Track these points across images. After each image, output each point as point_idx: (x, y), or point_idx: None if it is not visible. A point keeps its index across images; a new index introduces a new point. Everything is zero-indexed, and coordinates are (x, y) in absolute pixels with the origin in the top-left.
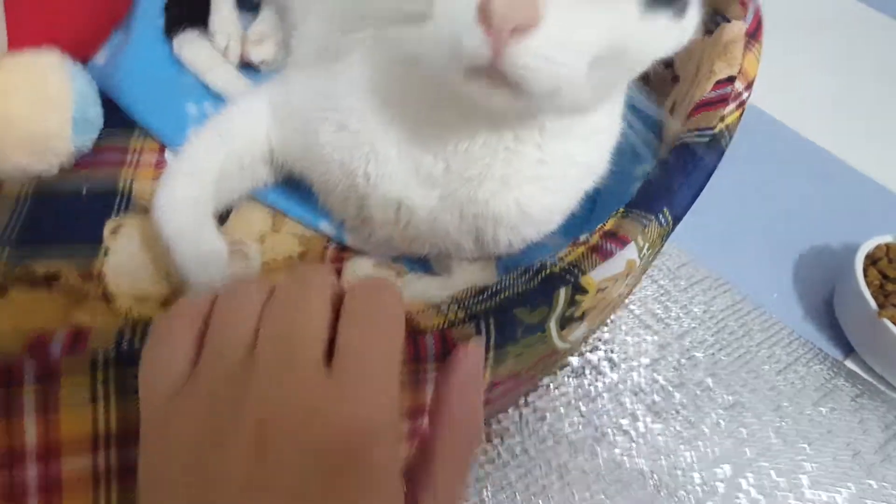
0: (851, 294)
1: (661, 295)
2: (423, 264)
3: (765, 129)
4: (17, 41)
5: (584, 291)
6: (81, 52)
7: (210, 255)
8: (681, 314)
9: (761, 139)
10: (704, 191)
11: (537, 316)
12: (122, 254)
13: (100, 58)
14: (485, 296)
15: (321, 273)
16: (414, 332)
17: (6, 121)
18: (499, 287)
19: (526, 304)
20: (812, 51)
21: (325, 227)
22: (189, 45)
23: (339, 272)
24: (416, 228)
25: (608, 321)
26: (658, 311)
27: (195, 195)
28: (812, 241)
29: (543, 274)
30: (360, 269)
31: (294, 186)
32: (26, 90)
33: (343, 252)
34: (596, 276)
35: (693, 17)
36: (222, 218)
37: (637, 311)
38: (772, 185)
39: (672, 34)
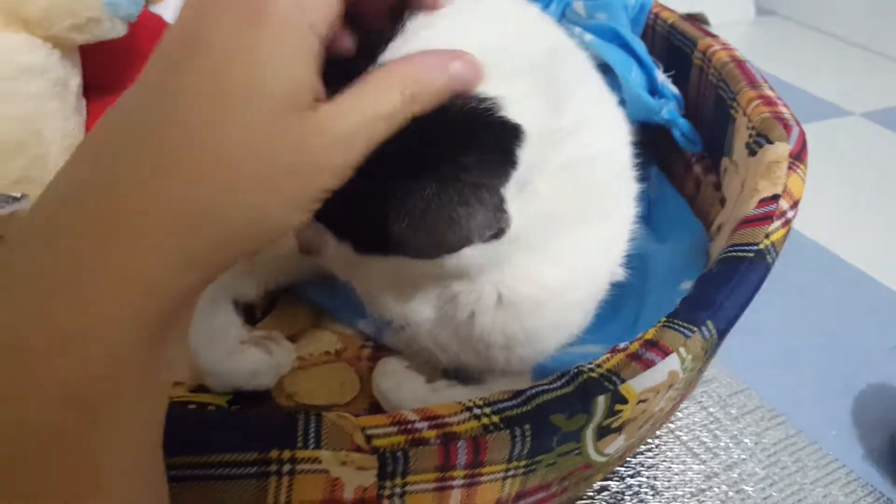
0: None
1: (711, 423)
2: (457, 372)
3: (824, 264)
4: None
5: (624, 401)
6: None
7: (220, 334)
8: (730, 444)
9: (820, 273)
10: (760, 318)
11: (575, 424)
12: None
13: None
14: (520, 399)
15: None
16: (445, 438)
17: None
18: (535, 391)
19: (564, 411)
20: (874, 190)
21: (364, 325)
22: None
23: (371, 370)
24: (422, 340)
25: (650, 442)
26: (706, 440)
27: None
28: (871, 377)
29: (581, 380)
30: (389, 367)
31: (337, 284)
32: None
33: (380, 352)
34: (636, 385)
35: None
36: (264, 312)
37: (684, 438)
38: (830, 319)
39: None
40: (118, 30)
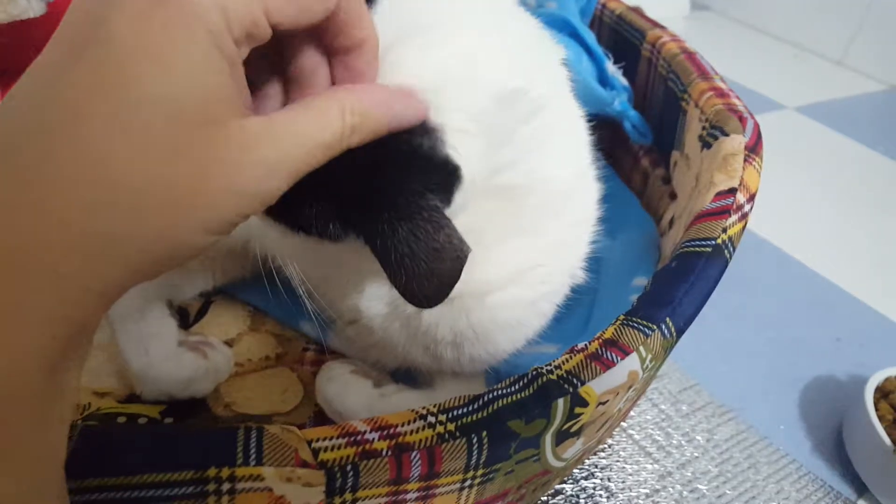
0: (863, 429)
1: (662, 420)
2: (406, 375)
3: (768, 258)
4: None
5: (584, 403)
6: None
7: (152, 339)
8: (683, 442)
9: (764, 267)
10: (705, 312)
11: (534, 429)
12: None
13: None
14: (477, 405)
15: None
16: (398, 449)
17: None
18: (492, 396)
19: (521, 416)
20: (813, 184)
21: (306, 327)
22: None
23: (315, 375)
24: (374, 335)
25: (605, 444)
26: (659, 438)
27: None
28: (816, 370)
29: (539, 382)
30: (334, 371)
31: (274, 285)
32: None
33: (322, 355)
34: (597, 387)
35: None
36: (198, 315)
37: (637, 437)
38: (774, 314)
39: None
40: (35, 8)
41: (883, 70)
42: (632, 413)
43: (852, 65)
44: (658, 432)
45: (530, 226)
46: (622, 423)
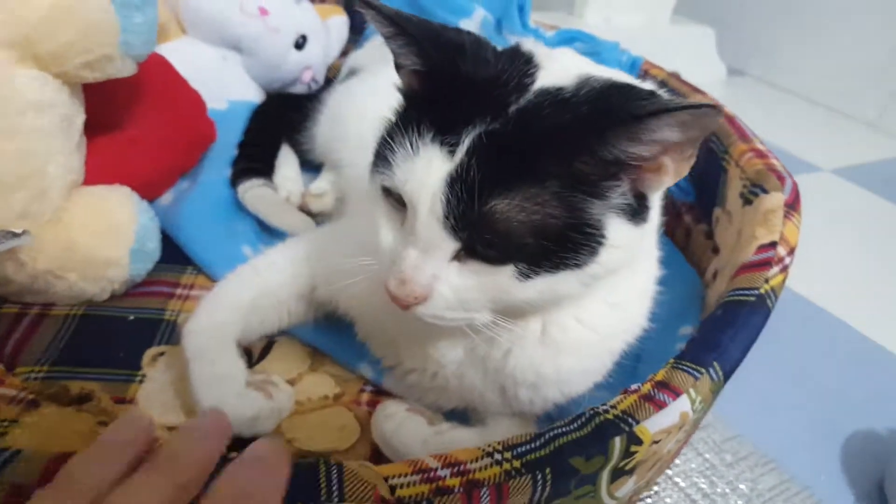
0: None
1: (707, 469)
2: (455, 415)
3: (807, 314)
4: (93, 179)
5: (639, 442)
6: (149, 193)
7: (224, 379)
8: (727, 490)
9: (803, 324)
10: (746, 365)
11: (593, 466)
12: (158, 382)
13: (166, 198)
14: (539, 442)
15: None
16: (468, 485)
17: (70, 246)
18: (553, 434)
19: (582, 453)
20: (850, 243)
21: (364, 369)
22: (252, 192)
23: (370, 415)
24: (444, 379)
25: (652, 491)
26: (703, 486)
27: (220, 322)
28: (856, 424)
29: (597, 421)
30: (391, 409)
31: (335, 327)
32: (94, 220)
33: (379, 396)
34: (651, 426)
35: (607, 257)
36: (262, 355)
37: (682, 484)
38: (813, 368)
39: (575, 277)
40: (129, 68)
41: None
42: (676, 461)
43: (887, 128)
44: (703, 480)
45: (639, 272)
46: (668, 471)
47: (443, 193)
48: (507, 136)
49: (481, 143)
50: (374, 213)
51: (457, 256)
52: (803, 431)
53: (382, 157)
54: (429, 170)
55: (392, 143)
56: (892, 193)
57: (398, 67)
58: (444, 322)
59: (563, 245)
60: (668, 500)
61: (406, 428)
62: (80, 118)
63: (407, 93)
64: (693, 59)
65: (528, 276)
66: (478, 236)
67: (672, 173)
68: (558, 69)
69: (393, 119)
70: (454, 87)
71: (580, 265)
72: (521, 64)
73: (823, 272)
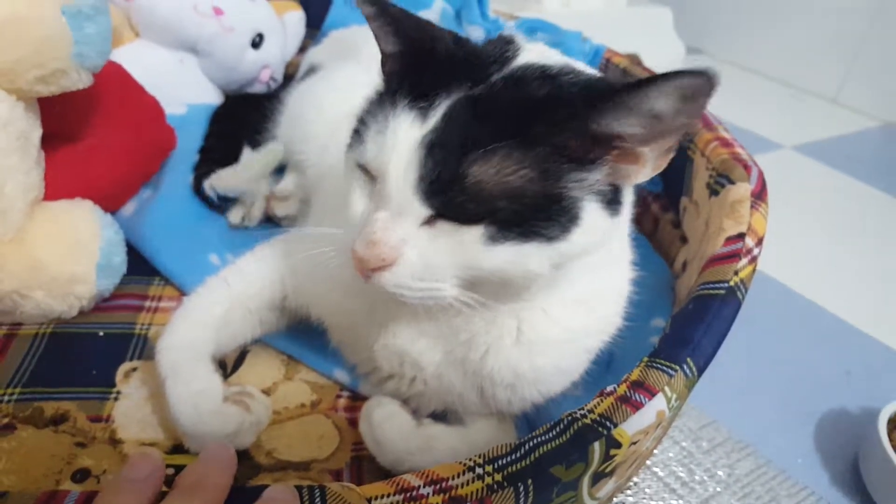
0: (879, 460)
1: (685, 457)
2: (438, 417)
3: (774, 295)
4: (53, 193)
5: (618, 445)
6: (111, 204)
7: (201, 395)
8: (705, 478)
9: (770, 305)
10: (719, 352)
11: (573, 473)
12: (133, 399)
13: (128, 209)
14: (519, 453)
15: None
16: (452, 502)
17: (35, 264)
18: (532, 444)
19: (562, 461)
20: (814, 221)
21: (340, 375)
22: (216, 178)
23: (351, 421)
24: (423, 383)
25: (632, 483)
26: (682, 475)
27: (193, 337)
28: (829, 404)
29: (575, 427)
30: (384, 400)
31: (308, 334)
32: (57, 236)
33: (357, 401)
34: (629, 428)
35: (578, 238)
36: (235, 365)
37: (661, 474)
38: (783, 350)
39: (544, 253)
40: (84, 80)
41: (877, 106)
42: (655, 451)
43: (847, 102)
44: (681, 469)
45: (613, 268)
46: (646, 462)
47: (416, 157)
48: (489, 100)
49: (460, 107)
50: (347, 189)
51: (427, 221)
52: (777, 414)
53: (357, 135)
54: (401, 134)
55: (366, 121)
56: (853, 168)
57: (382, 53)
58: (409, 294)
59: (536, 213)
60: (647, 490)
61: (393, 421)
62: (36, 133)
63: (387, 76)
64: (651, 39)
65: (496, 241)
66: (451, 199)
67: (650, 165)
68: (541, 51)
69: (371, 99)
70: (432, 62)
71: (550, 238)
72: (503, 44)
73: (788, 251)
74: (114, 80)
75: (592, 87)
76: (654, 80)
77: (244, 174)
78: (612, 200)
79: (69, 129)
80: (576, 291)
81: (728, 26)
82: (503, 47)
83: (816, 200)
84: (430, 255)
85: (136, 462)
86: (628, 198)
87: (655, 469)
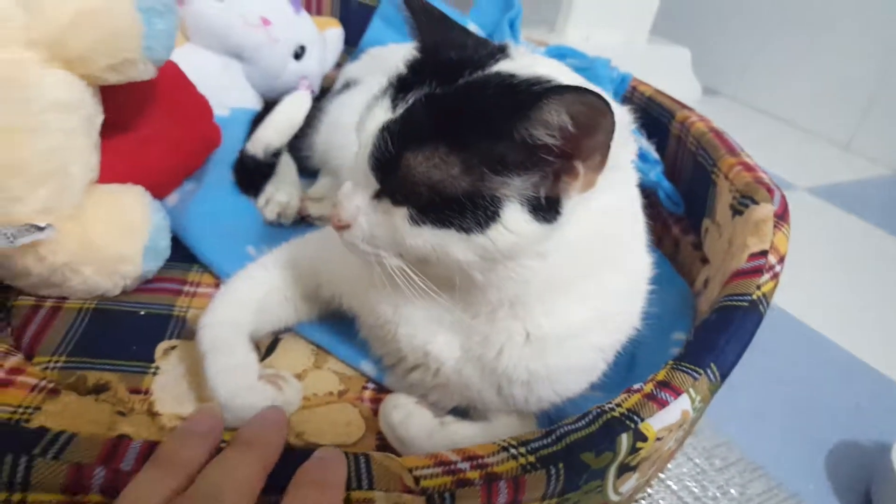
0: (892, 493)
1: (698, 473)
2: (460, 413)
3: (788, 328)
4: (107, 177)
5: (644, 438)
6: (157, 193)
7: (238, 370)
8: (718, 494)
9: (785, 337)
10: (733, 375)
11: (602, 461)
12: (171, 374)
13: (171, 199)
14: (552, 438)
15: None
16: (487, 478)
17: (88, 241)
18: (563, 430)
19: (592, 449)
20: (827, 260)
21: (366, 367)
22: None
23: (375, 412)
24: (445, 377)
25: (647, 493)
26: (695, 490)
27: (234, 316)
28: (840, 434)
29: (604, 418)
30: (400, 400)
31: (338, 325)
32: (111, 217)
33: (381, 393)
34: (655, 423)
35: (497, 236)
36: (268, 352)
37: (674, 487)
38: (796, 380)
39: (464, 244)
40: (149, 72)
41: (889, 155)
42: (669, 465)
43: (858, 149)
44: (694, 484)
45: (615, 273)
46: (660, 475)
47: (374, 138)
48: (444, 100)
49: (419, 104)
50: None
51: (376, 196)
52: (789, 440)
53: (360, 117)
54: (374, 118)
55: (368, 104)
56: (864, 212)
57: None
58: (361, 254)
59: (451, 205)
60: (661, 502)
61: (414, 419)
62: (99, 118)
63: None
64: (669, 77)
65: (416, 223)
66: (388, 178)
67: (582, 180)
68: (525, 63)
69: (380, 87)
70: (432, 62)
71: (465, 230)
72: (495, 51)
73: (802, 287)
74: (170, 77)
75: (519, 96)
76: (546, 93)
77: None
78: (542, 207)
79: (126, 119)
80: (576, 291)
81: (744, 68)
82: (493, 54)
83: (829, 240)
84: (373, 225)
85: (199, 416)
86: (625, 198)
87: (669, 482)
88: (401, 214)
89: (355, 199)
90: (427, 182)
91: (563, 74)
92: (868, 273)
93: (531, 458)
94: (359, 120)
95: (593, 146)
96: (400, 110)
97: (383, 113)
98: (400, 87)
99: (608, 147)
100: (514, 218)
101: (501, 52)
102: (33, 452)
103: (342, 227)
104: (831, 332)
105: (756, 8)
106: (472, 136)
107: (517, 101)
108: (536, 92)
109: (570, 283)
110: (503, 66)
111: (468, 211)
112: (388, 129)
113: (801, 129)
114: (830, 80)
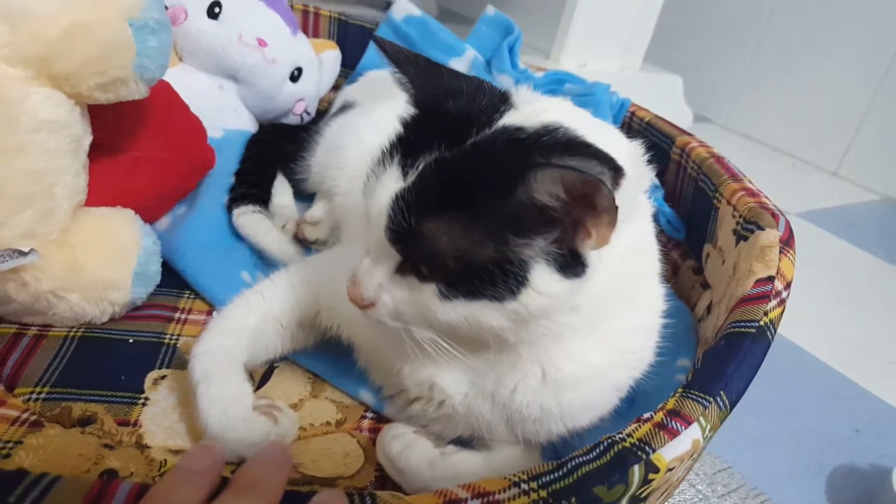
0: None
1: (700, 500)
2: (462, 442)
3: (785, 353)
4: (95, 200)
5: (656, 470)
6: (148, 217)
7: (232, 401)
8: None
9: (782, 362)
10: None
11: (614, 494)
12: (161, 406)
13: (162, 223)
14: (562, 472)
15: None
16: None
17: (74, 266)
18: (574, 463)
19: (604, 482)
20: (821, 285)
21: (365, 396)
22: (246, 216)
23: (375, 442)
24: (451, 408)
25: None
26: None
27: (228, 345)
28: (839, 459)
29: (616, 449)
30: (398, 431)
31: (335, 353)
32: (98, 241)
33: (381, 422)
34: (666, 454)
35: (529, 300)
36: (263, 380)
37: None
38: (795, 405)
39: (497, 312)
40: (141, 91)
41: (877, 181)
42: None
43: (847, 175)
44: None
45: (635, 310)
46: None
47: (389, 209)
48: (454, 164)
49: (429, 170)
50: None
51: (400, 271)
52: (789, 465)
53: (366, 184)
54: (385, 188)
55: (374, 172)
56: (855, 237)
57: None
58: (389, 327)
59: (480, 275)
60: None
61: (413, 449)
62: (87, 139)
63: (402, 125)
64: (661, 105)
65: (447, 298)
66: (410, 252)
67: (595, 237)
68: (529, 112)
69: (383, 149)
70: (435, 120)
71: (498, 299)
72: (497, 103)
73: (797, 312)
74: (162, 97)
75: (528, 158)
76: (542, 165)
77: (261, 242)
78: (569, 263)
79: (116, 140)
80: (600, 332)
81: (735, 96)
82: (497, 106)
83: (821, 264)
84: (399, 301)
85: (197, 452)
86: (641, 240)
87: None
88: (430, 291)
89: (376, 275)
90: (454, 253)
91: (570, 118)
92: (863, 297)
93: (542, 493)
94: (365, 187)
95: (596, 212)
96: (411, 178)
97: (394, 181)
98: (406, 150)
99: (614, 210)
100: (544, 280)
101: (504, 102)
102: (8, 500)
103: (366, 308)
104: (826, 356)
105: (747, 38)
106: (489, 200)
107: (526, 163)
108: (537, 163)
109: (595, 327)
110: (509, 120)
111: (498, 279)
112: (402, 199)
113: (790, 155)
114: (819, 109)
